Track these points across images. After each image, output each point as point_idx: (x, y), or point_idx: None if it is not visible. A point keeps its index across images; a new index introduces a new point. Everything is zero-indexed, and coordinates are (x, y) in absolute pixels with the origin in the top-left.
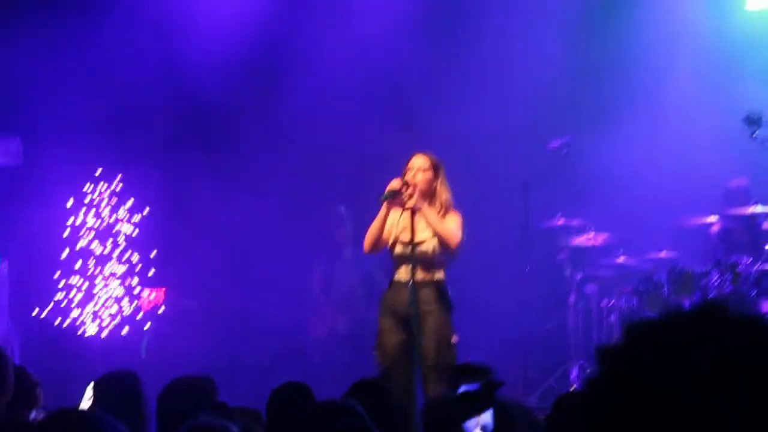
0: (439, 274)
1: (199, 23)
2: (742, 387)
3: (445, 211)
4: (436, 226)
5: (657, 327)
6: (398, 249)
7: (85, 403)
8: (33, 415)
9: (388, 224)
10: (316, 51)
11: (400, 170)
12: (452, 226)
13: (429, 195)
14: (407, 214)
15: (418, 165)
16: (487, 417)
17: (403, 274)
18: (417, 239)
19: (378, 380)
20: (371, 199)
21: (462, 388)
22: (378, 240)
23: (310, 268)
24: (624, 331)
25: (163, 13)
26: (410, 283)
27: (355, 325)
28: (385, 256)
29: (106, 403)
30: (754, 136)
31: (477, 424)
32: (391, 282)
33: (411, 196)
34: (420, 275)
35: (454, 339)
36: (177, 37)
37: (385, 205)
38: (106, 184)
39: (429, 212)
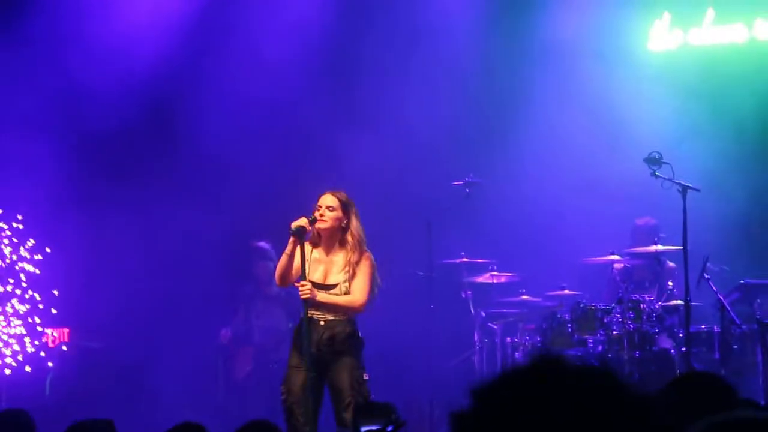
0: (351, 315)
1: (98, 47)
2: None
3: (358, 254)
4: (338, 307)
5: (502, 388)
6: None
7: None
8: None
9: (298, 261)
10: (220, 86)
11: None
12: (353, 299)
13: (338, 234)
14: (317, 255)
15: (326, 204)
16: None
17: (314, 312)
18: (328, 282)
19: (267, 422)
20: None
21: (364, 429)
22: (287, 275)
23: (218, 310)
24: (471, 394)
25: (59, 40)
26: (321, 323)
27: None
28: None
29: None
30: (655, 175)
31: None
32: (301, 319)
33: (319, 234)
34: (330, 315)
35: (366, 377)
36: (75, 64)
37: (292, 239)
38: (5, 225)
39: (326, 298)
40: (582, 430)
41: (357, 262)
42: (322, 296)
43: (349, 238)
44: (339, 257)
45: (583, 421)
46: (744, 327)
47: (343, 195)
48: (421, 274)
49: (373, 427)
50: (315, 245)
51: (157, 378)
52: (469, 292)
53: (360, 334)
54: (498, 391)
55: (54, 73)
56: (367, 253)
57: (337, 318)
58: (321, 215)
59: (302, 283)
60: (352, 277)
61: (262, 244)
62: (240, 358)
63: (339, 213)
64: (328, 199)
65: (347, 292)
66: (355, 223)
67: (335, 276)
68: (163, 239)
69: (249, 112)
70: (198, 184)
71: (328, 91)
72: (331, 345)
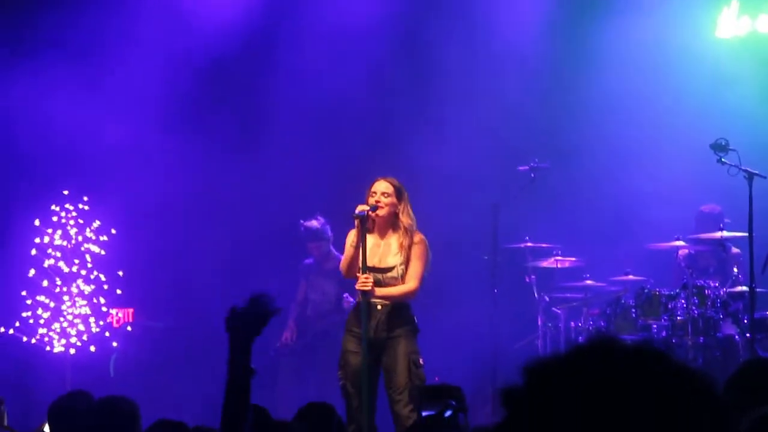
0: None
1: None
2: (639, 426)
3: (409, 237)
4: (394, 297)
5: (556, 368)
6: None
7: (46, 428)
8: None
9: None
10: (294, 72)
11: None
12: (407, 287)
13: (393, 219)
14: (373, 239)
15: (381, 190)
16: None
17: (371, 298)
18: (385, 264)
19: (326, 405)
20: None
21: (425, 413)
22: (354, 266)
23: (283, 287)
24: (524, 373)
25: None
26: (378, 307)
27: (324, 340)
28: None
29: (61, 427)
30: (721, 161)
31: None
32: (357, 303)
33: (375, 218)
34: (388, 300)
35: (421, 362)
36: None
37: (356, 229)
38: (72, 206)
39: (382, 291)
40: (634, 412)
41: (410, 246)
42: (379, 291)
43: (402, 223)
44: (393, 241)
45: (635, 403)
46: None
47: (395, 181)
48: (486, 257)
49: (432, 412)
50: (369, 231)
51: (218, 357)
52: (533, 277)
53: (415, 320)
54: (550, 370)
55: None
56: (420, 236)
57: (393, 304)
58: (377, 202)
59: (365, 276)
60: (406, 260)
61: (311, 223)
62: (289, 333)
63: (394, 199)
64: (382, 186)
65: (403, 275)
66: (407, 208)
67: (391, 259)
68: (224, 221)
69: (324, 96)
70: (268, 160)
71: (400, 76)
72: (386, 329)
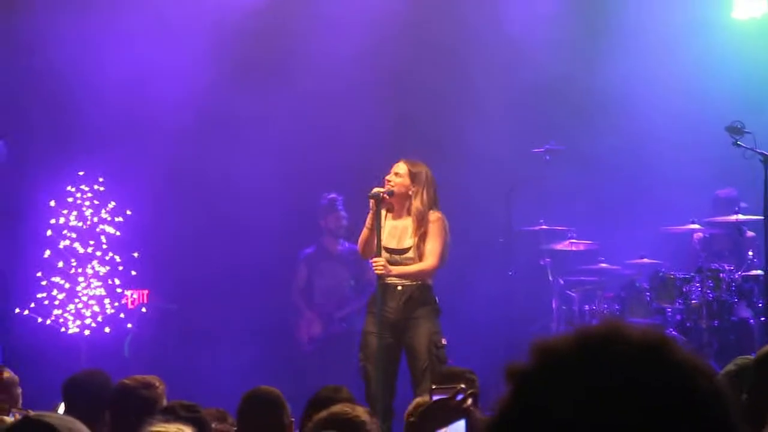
0: (427, 279)
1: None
2: (645, 414)
3: (417, 222)
4: (412, 275)
5: (564, 350)
6: (384, 255)
7: (61, 408)
8: (11, 415)
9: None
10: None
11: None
12: (424, 264)
13: (407, 200)
14: (391, 221)
15: (396, 170)
16: (459, 427)
17: (390, 278)
18: (402, 246)
19: (341, 387)
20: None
21: (436, 396)
22: (370, 247)
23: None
24: (530, 351)
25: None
26: (398, 288)
27: (341, 325)
28: None
29: (76, 404)
30: (737, 144)
31: None
32: (378, 285)
33: (388, 200)
34: (408, 281)
35: (443, 341)
36: (150, 40)
37: (372, 212)
38: (87, 187)
39: (399, 269)
40: (634, 398)
41: (424, 230)
42: (395, 269)
43: (414, 207)
44: (408, 223)
45: (635, 389)
46: None
47: (414, 164)
48: (501, 240)
49: (444, 395)
50: (389, 211)
51: (231, 340)
52: (548, 260)
53: (436, 299)
54: (556, 350)
55: (130, 52)
56: (438, 214)
57: (414, 283)
58: (388, 180)
59: (376, 259)
60: (422, 240)
61: (333, 195)
62: (303, 322)
63: (406, 180)
64: (398, 166)
65: (420, 255)
66: (420, 192)
67: (408, 240)
68: (238, 203)
69: (347, 74)
70: (282, 142)
71: (420, 58)
72: (407, 309)
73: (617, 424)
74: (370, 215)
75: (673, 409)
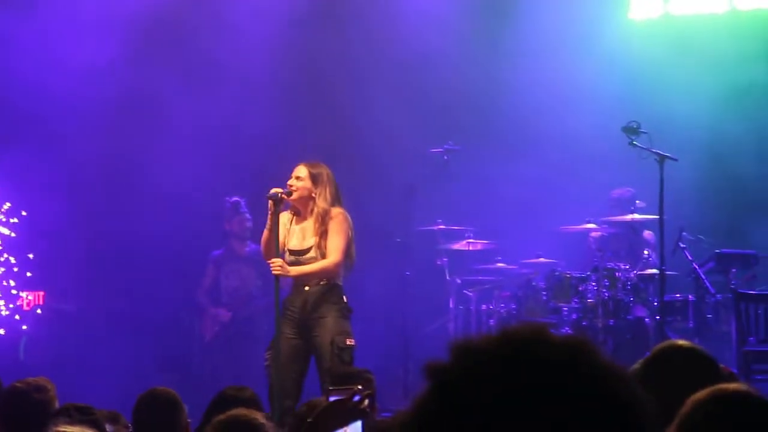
0: (334, 278)
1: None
2: (562, 417)
3: (320, 221)
4: (313, 274)
5: (486, 350)
6: (288, 257)
7: None
8: None
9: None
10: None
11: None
12: (325, 262)
13: (310, 202)
14: (297, 224)
15: (295, 174)
16: (356, 428)
17: (298, 279)
18: (303, 246)
19: (244, 387)
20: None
21: (333, 397)
22: (271, 248)
23: (196, 269)
24: (450, 349)
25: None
26: (305, 288)
27: (246, 323)
28: None
29: None
30: (633, 144)
31: None
32: (275, 285)
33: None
34: (314, 280)
35: (350, 342)
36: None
37: (271, 213)
38: None
39: (298, 270)
40: (553, 401)
41: (325, 227)
42: (294, 270)
43: (316, 207)
44: (310, 223)
45: (555, 392)
46: (718, 296)
47: (315, 166)
48: (398, 240)
49: (341, 396)
50: (295, 215)
51: (129, 341)
52: (445, 259)
53: (345, 300)
54: (480, 350)
55: (39, 46)
56: (338, 210)
57: (321, 283)
58: (290, 185)
59: (273, 260)
60: (323, 237)
61: (236, 198)
62: (208, 320)
63: (308, 183)
64: (298, 170)
65: (323, 253)
66: (322, 193)
67: (308, 240)
68: (137, 201)
69: (243, 76)
70: (180, 139)
71: (321, 52)
72: (314, 310)
73: (535, 426)
74: (269, 216)
75: (592, 414)
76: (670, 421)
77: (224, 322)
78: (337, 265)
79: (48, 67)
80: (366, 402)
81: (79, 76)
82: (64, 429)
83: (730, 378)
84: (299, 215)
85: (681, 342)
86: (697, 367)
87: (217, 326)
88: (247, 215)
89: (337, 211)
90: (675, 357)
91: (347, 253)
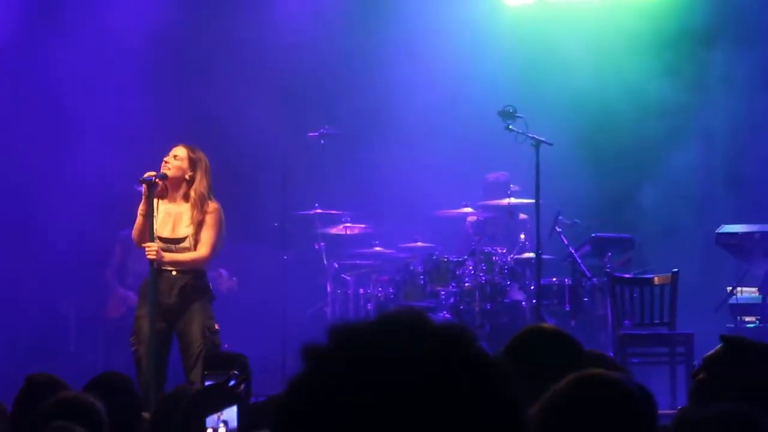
0: (201, 267)
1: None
2: (432, 394)
3: (200, 210)
4: (185, 264)
5: (361, 331)
6: (159, 244)
7: None
8: None
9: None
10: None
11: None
12: (198, 254)
13: (183, 186)
14: (165, 206)
15: (174, 153)
16: (231, 413)
17: (163, 264)
18: (177, 235)
19: (117, 374)
20: None
21: (207, 381)
22: (144, 234)
23: (95, 248)
24: (328, 332)
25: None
26: (173, 273)
27: None
28: None
29: None
30: (509, 128)
31: (219, 420)
32: (151, 270)
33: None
34: (178, 267)
35: (216, 327)
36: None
37: (145, 197)
38: None
39: (172, 257)
40: (428, 384)
41: (201, 217)
42: (168, 256)
43: (192, 193)
44: (185, 211)
45: (430, 377)
46: (594, 280)
47: (194, 150)
48: (276, 224)
49: (216, 380)
50: (162, 197)
51: (11, 324)
52: (323, 244)
53: (210, 286)
54: (356, 334)
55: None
56: (214, 205)
57: (188, 271)
58: (166, 162)
59: (149, 244)
60: (198, 229)
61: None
62: (113, 301)
63: (184, 164)
64: (177, 149)
65: (196, 243)
66: (200, 179)
67: (183, 229)
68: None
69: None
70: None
71: (194, 37)
72: (181, 295)
73: (408, 411)
74: (143, 201)
75: (466, 401)
76: (530, 403)
77: (131, 305)
78: (207, 260)
79: None
80: (242, 387)
81: None
82: None
83: (599, 361)
84: (165, 197)
85: (545, 325)
86: (560, 349)
87: (124, 308)
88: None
89: (213, 206)
90: (538, 340)
91: (216, 249)
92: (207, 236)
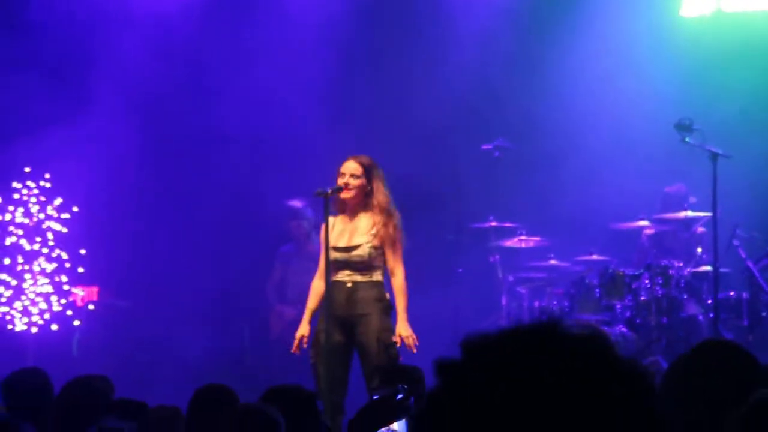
0: (377, 276)
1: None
2: (571, 405)
3: (385, 216)
4: (406, 301)
5: (494, 343)
6: (334, 254)
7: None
8: None
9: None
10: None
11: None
12: (400, 283)
13: (363, 200)
14: (341, 218)
15: (350, 171)
16: (401, 426)
17: (341, 275)
18: (352, 243)
19: (296, 386)
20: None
21: (376, 395)
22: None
23: (253, 267)
24: (462, 345)
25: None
26: (348, 285)
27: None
28: None
29: (14, 402)
30: (685, 141)
31: None
32: (331, 283)
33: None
34: (358, 277)
35: (393, 339)
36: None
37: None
38: (33, 183)
39: (402, 306)
40: (566, 395)
41: (385, 225)
42: (401, 309)
43: (375, 202)
44: (363, 221)
45: (568, 387)
46: None
47: (365, 159)
48: (450, 237)
49: (384, 394)
50: (340, 213)
51: (185, 339)
52: (498, 256)
53: (388, 297)
54: (489, 347)
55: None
56: (396, 220)
57: (363, 280)
58: (346, 184)
59: (406, 336)
60: (376, 239)
61: (294, 202)
62: (274, 318)
63: (363, 180)
64: (351, 167)
65: (370, 253)
66: (380, 187)
67: (358, 238)
68: (197, 197)
69: (283, 76)
70: (236, 140)
71: (369, 54)
72: (358, 307)
73: (538, 420)
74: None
75: (612, 410)
76: (707, 416)
77: (289, 320)
78: (405, 276)
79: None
80: (410, 400)
81: (118, 75)
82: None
83: None
84: (343, 214)
85: (722, 340)
86: (737, 365)
87: (282, 325)
88: (304, 221)
89: (395, 222)
90: (715, 355)
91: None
92: (398, 258)
